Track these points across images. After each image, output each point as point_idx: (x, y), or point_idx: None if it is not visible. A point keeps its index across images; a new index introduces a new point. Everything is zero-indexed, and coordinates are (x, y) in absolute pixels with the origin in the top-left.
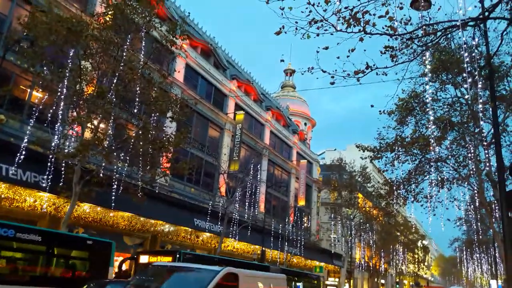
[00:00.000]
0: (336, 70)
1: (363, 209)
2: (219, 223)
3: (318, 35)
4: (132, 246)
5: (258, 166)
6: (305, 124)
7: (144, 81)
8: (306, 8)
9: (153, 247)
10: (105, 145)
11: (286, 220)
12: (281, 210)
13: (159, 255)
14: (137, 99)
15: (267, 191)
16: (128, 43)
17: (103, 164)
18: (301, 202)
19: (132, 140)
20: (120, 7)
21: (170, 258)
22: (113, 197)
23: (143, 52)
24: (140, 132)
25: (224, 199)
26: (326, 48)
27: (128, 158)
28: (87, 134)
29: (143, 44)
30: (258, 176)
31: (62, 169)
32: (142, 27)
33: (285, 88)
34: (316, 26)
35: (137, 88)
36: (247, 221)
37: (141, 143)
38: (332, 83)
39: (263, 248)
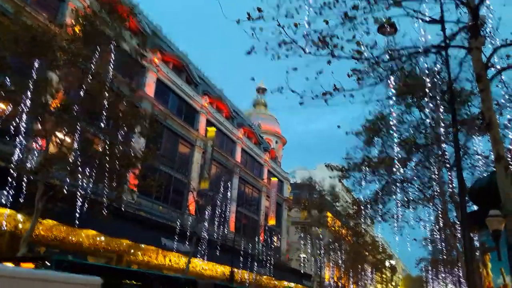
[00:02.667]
0: (305, 91)
1: (332, 228)
2: (187, 242)
3: (287, 56)
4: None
5: (229, 184)
6: (276, 142)
7: (113, 95)
8: (276, 29)
9: (119, 265)
10: (70, 160)
11: (256, 239)
12: (251, 229)
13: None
14: (104, 113)
15: (238, 209)
16: (97, 56)
17: (68, 180)
18: (271, 221)
19: (99, 156)
20: (90, 19)
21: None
22: (77, 215)
23: (112, 65)
24: (107, 147)
25: (193, 217)
26: (295, 69)
27: (94, 174)
28: (52, 148)
29: (113, 57)
30: (229, 194)
31: (24, 184)
32: (112, 40)
33: (257, 106)
34: (285, 47)
35: (105, 102)
36: (216, 240)
37: (107, 158)
38: (301, 103)
39: (232, 269)
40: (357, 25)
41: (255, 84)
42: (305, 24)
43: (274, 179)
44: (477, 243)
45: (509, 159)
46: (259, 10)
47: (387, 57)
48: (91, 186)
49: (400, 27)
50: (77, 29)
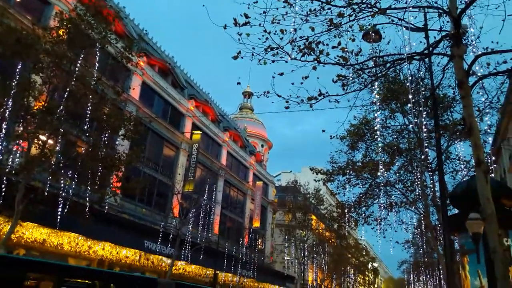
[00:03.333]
0: (290, 95)
1: (316, 231)
2: (170, 245)
3: (273, 61)
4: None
5: (214, 187)
6: (262, 145)
7: (97, 97)
8: (263, 35)
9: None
10: (53, 162)
11: (240, 242)
12: (235, 232)
13: None
14: (88, 116)
15: (222, 212)
16: (81, 58)
17: (49, 182)
18: (256, 224)
19: (82, 158)
20: (75, 22)
21: None
22: (58, 217)
23: (97, 68)
24: (90, 150)
25: (177, 220)
26: (281, 74)
27: (76, 176)
28: (34, 150)
29: (98, 60)
30: (214, 197)
31: (3, 186)
32: (97, 43)
33: (243, 110)
34: (272, 53)
35: (89, 104)
36: (200, 243)
37: (90, 160)
38: (287, 108)
39: (216, 271)
40: (343, 32)
41: (241, 88)
42: (291, 31)
43: (259, 182)
44: (457, 246)
45: (488, 164)
46: (246, 16)
47: (372, 63)
48: (73, 188)
49: (384, 35)
50: (61, 31)
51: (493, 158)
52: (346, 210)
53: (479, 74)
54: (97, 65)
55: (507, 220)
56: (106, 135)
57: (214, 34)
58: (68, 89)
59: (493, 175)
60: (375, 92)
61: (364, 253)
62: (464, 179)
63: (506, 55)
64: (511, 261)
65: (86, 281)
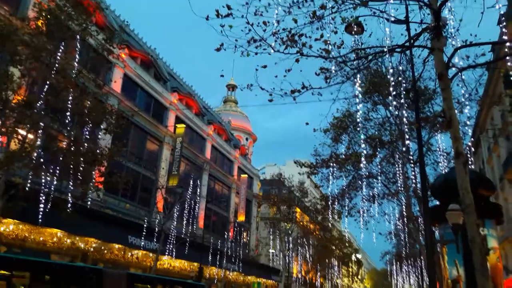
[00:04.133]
0: (274, 88)
1: (301, 223)
2: (155, 240)
3: (256, 53)
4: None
5: (198, 181)
6: (247, 139)
7: (78, 91)
8: (246, 27)
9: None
10: (33, 157)
11: (226, 235)
12: (221, 226)
13: None
14: (69, 109)
15: (207, 206)
16: (61, 50)
17: (30, 178)
18: (241, 217)
19: (63, 152)
20: (54, 13)
21: None
22: (40, 213)
23: (77, 60)
24: (72, 144)
25: (161, 215)
26: (265, 66)
27: (58, 171)
28: (13, 145)
29: (78, 52)
30: (198, 191)
31: None
32: (77, 34)
33: (227, 103)
34: (255, 45)
35: (70, 98)
36: (185, 237)
37: (72, 155)
38: (271, 100)
39: (201, 265)
40: (325, 24)
41: (225, 81)
42: (274, 23)
43: (244, 176)
44: (438, 236)
45: (468, 156)
46: (228, 7)
47: (354, 56)
48: (54, 183)
49: (366, 27)
50: (40, 23)
51: (473, 149)
52: (329, 202)
53: (458, 67)
54: (77, 57)
55: (485, 210)
56: (88, 129)
57: (197, 26)
58: (48, 82)
59: (472, 166)
60: (357, 84)
61: (347, 244)
62: (445, 171)
63: (485, 48)
64: (487, 250)
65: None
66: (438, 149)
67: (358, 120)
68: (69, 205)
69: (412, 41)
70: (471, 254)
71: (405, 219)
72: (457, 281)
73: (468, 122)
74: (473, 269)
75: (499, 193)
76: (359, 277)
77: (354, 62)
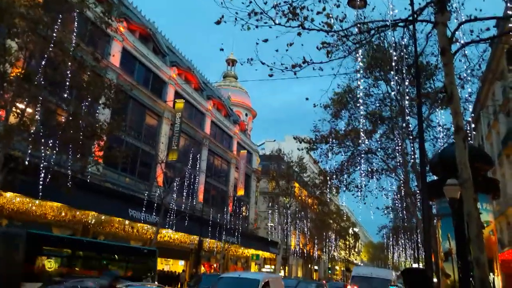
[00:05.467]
0: (274, 63)
1: (299, 198)
2: (154, 213)
3: (257, 27)
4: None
5: (198, 156)
6: (246, 114)
7: (76, 64)
8: None
9: (85, 237)
10: (32, 131)
11: (225, 209)
12: (220, 200)
13: None
14: (67, 83)
15: (207, 181)
16: (58, 23)
17: (29, 151)
18: (240, 192)
19: (62, 126)
20: None
21: None
22: (40, 187)
23: (75, 33)
24: (71, 118)
25: (161, 189)
26: (265, 40)
27: (57, 145)
28: (12, 119)
29: (76, 25)
30: (198, 166)
31: None
32: (75, 7)
33: (227, 78)
34: (255, 18)
35: (68, 71)
36: (185, 211)
37: (71, 129)
38: (271, 75)
39: (201, 238)
40: None
41: (225, 56)
42: None
43: (243, 151)
44: (435, 211)
45: (468, 131)
46: None
47: (356, 30)
48: (54, 157)
49: (370, 1)
50: None
51: (473, 125)
52: (328, 178)
53: (462, 42)
54: (75, 30)
55: (482, 185)
56: (87, 103)
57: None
58: (45, 55)
59: (472, 142)
60: (359, 60)
61: (345, 218)
62: (444, 146)
63: (489, 23)
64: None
65: None
66: (438, 125)
67: (359, 95)
68: (69, 178)
69: (415, 15)
70: (463, 227)
71: (403, 194)
72: (449, 254)
73: (469, 98)
74: (463, 242)
75: (496, 169)
76: (356, 250)
77: (356, 36)
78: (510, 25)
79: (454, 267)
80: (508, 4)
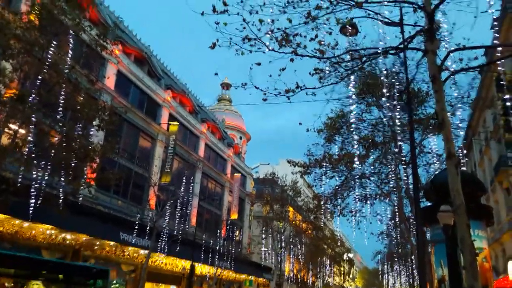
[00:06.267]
0: (268, 88)
1: (293, 222)
2: (146, 237)
3: (251, 52)
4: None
5: (191, 179)
6: (241, 138)
7: (71, 86)
8: (241, 24)
9: (76, 261)
10: (25, 152)
11: (218, 233)
12: (213, 224)
13: None
14: (61, 105)
15: (200, 204)
16: (54, 45)
17: (21, 173)
18: (234, 216)
19: (55, 148)
20: (47, 7)
21: None
22: (31, 208)
23: (70, 56)
24: (64, 140)
25: (154, 212)
26: (259, 64)
27: (49, 167)
28: (5, 140)
29: (71, 47)
30: (191, 189)
31: None
32: (70, 29)
33: (222, 101)
34: (249, 43)
35: (62, 93)
36: (177, 235)
37: (64, 151)
38: (265, 100)
39: (193, 263)
40: (320, 25)
41: (219, 79)
42: (268, 22)
43: (237, 174)
44: (429, 237)
45: (460, 157)
46: (225, 3)
47: (348, 57)
48: (46, 179)
49: (361, 29)
50: (32, 17)
51: (465, 151)
52: (322, 202)
53: (451, 69)
54: (70, 52)
55: (475, 212)
56: (80, 125)
57: (192, 25)
58: (40, 77)
59: (464, 168)
60: (351, 85)
61: (339, 244)
62: (437, 173)
63: (478, 51)
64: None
65: None
66: (430, 151)
67: (351, 120)
68: (60, 201)
69: (406, 43)
70: (455, 254)
71: (397, 219)
72: (442, 281)
73: (460, 125)
74: (456, 269)
75: (490, 195)
76: (351, 276)
77: (348, 63)
78: (497, 54)
79: None
80: (495, 34)
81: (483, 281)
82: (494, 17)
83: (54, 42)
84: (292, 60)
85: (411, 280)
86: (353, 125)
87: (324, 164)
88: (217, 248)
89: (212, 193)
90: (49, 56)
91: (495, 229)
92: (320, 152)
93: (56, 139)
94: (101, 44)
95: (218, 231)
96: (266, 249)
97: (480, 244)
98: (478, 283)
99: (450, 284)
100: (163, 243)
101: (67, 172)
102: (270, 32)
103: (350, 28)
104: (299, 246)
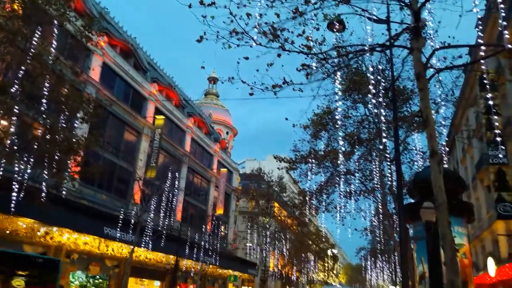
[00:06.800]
0: (255, 82)
1: (279, 218)
2: (131, 232)
3: (238, 45)
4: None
5: (177, 174)
6: (227, 133)
7: (54, 77)
8: (228, 17)
9: (58, 255)
10: (7, 145)
11: (203, 229)
12: (198, 219)
13: None
14: (45, 96)
15: (185, 199)
16: (38, 35)
17: (3, 165)
18: (220, 211)
19: (38, 140)
20: None
21: None
22: (13, 202)
23: (55, 46)
24: (47, 133)
25: (138, 207)
26: (246, 58)
27: (32, 159)
28: None
29: (56, 38)
30: (177, 184)
31: None
32: (55, 19)
33: (208, 96)
34: (237, 37)
35: (46, 84)
36: (162, 230)
37: (47, 144)
38: (252, 94)
39: (177, 258)
40: (307, 20)
41: (206, 74)
42: (256, 16)
43: (223, 170)
44: (412, 233)
45: (443, 155)
46: None
47: (335, 53)
48: (28, 172)
49: (348, 25)
50: (16, 6)
51: (447, 149)
52: (307, 198)
53: (436, 68)
54: (55, 43)
55: (456, 208)
56: (64, 117)
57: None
58: (23, 67)
59: (447, 165)
60: (338, 82)
61: (324, 239)
62: (420, 170)
63: (462, 50)
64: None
65: None
66: (414, 148)
67: (337, 117)
68: (43, 194)
69: (392, 40)
70: (436, 250)
71: (381, 215)
72: (423, 277)
73: (443, 123)
74: (436, 265)
75: (471, 193)
76: (335, 272)
77: (335, 59)
78: (481, 53)
79: None
80: (480, 34)
81: (463, 277)
82: (479, 16)
83: (38, 32)
84: (279, 55)
85: (393, 276)
86: (339, 122)
87: (310, 160)
88: (202, 243)
89: (198, 188)
90: (33, 47)
91: (475, 226)
92: (306, 148)
93: (39, 131)
94: (86, 35)
95: (204, 226)
96: (251, 245)
97: (460, 241)
98: (458, 278)
99: (430, 280)
100: (148, 238)
101: (50, 165)
102: (257, 26)
103: (337, 24)
104: (284, 242)
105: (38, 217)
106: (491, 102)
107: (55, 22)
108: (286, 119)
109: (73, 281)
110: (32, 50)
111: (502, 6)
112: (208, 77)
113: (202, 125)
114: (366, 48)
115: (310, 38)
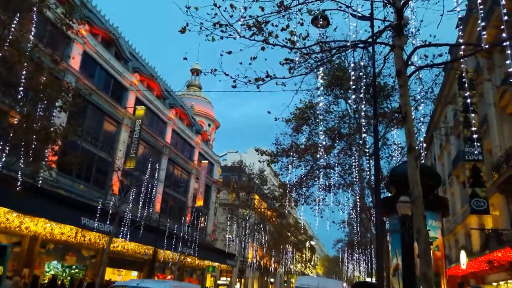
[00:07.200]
0: (238, 75)
1: (259, 210)
2: (108, 222)
3: (222, 38)
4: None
5: (157, 165)
6: (209, 125)
7: (33, 65)
8: (212, 9)
9: (33, 245)
10: None
11: (183, 220)
12: (178, 210)
13: None
14: (22, 84)
15: (165, 190)
16: (16, 22)
17: None
18: (200, 203)
19: (14, 129)
20: None
21: None
22: None
23: (33, 34)
24: (24, 121)
25: (117, 197)
26: (229, 52)
27: (8, 148)
28: None
29: (34, 25)
30: (156, 175)
31: None
32: (34, 6)
33: (191, 87)
34: (220, 29)
35: (24, 72)
36: (140, 221)
37: (23, 133)
38: (234, 87)
39: (155, 249)
40: (292, 15)
41: (189, 65)
42: (241, 8)
43: (204, 162)
44: (388, 227)
45: (421, 151)
46: None
47: (318, 48)
48: (3, 160)
49: (332, 21)
50: None
51: (425, 145)
52: (287, 190)
53: (417, 65)
54: (33, 30)
55: (432, 203)
56: (42, 106)
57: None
58: (0, 54)
59: (424, 161)
60: (320, 77)
61: (302, 231)
62: (397, 165)
63: (442, 49)
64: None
65: None
66: (393, 143)
67: (318, 112)
68: (19, 183)
69: (374, 37)
70: (411, 243)
71: (358, 209)
72: (396, 269)
73: (422, 119)
74: (410, 258)
75: (447, 188)
76: (312, 263)
77: (318, 54)
78: (461, 52)
79: (400, 282)
80: (460, 33)
81: (435, 269)
82: (460, 16)
83: (16, 19)
84: (263, 48)
85: (369, 268)
86: (320, 116)
87: (291, 153)
88: (181, 234)
89: (178, 179)
90: (11, 33)
91: (450, 220)
92: (288, 142)
93: (16, 119)
94: (66, 23)
95: (183, 217)
96: (230, 236)
97: (434, 234)
98: (431, 270)
99: (403, 272)
100: (126, 229)
101: (27, 154)
102: (242, 18)
103: (321, 19)
104: (263, 233)
105: (13, 206)
106: (469, 100)
107: (34, 9)
108: (269, 112)
109: (48, 271)
110: (10, 37)
111: (481, 7)
112: (191, 69)
113: (184, 116)
114: (349, 44)
115: (294, 33)
